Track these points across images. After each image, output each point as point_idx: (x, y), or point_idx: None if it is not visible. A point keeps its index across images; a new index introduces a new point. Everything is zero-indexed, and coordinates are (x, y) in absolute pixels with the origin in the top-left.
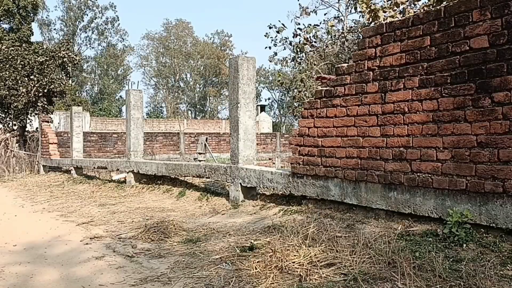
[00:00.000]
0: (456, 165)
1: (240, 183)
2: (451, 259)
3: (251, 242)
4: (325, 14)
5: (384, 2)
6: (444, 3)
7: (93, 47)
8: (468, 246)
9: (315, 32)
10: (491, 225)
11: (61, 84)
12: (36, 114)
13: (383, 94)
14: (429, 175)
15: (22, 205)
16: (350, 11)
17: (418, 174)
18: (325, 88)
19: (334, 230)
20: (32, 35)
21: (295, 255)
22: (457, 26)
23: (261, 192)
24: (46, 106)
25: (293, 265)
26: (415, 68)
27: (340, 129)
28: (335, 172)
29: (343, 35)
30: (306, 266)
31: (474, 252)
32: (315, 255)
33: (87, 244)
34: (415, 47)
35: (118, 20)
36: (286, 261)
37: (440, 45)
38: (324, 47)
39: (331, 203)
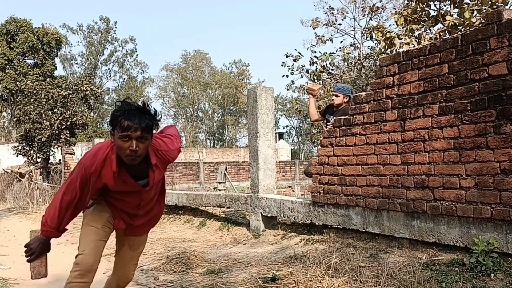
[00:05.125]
0: (480, 193)
1: (261, 213)
2: None
3: (273, 273)
4: (341, 42)
5: (400, 28)
6: (460, 27)
7: (114, 80)
8: (496, 276)
9: (332, 59)
10: None
11: (83, 117)
12: (59, 146)
13: (402, 122)
14: (453, 203)
15: None
16: (366, 38)
17: (441, 202)
18: (343, 117)
19: (357, 260)
20: (56, 69)
21: (318, 286)
22: (475, 54)
23: (281, 221)
24: (68, 138)
25: None
26: (434, 95)
27: (360, 157)
28: (356, 200)
29: (359, 61)
30: None
31: (503, 282)
32: (338, 286)
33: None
34: (433, 75)
35: (136, 51)
36: None
37: (459, 73)
38: (341, 74)
39: (353, 232)
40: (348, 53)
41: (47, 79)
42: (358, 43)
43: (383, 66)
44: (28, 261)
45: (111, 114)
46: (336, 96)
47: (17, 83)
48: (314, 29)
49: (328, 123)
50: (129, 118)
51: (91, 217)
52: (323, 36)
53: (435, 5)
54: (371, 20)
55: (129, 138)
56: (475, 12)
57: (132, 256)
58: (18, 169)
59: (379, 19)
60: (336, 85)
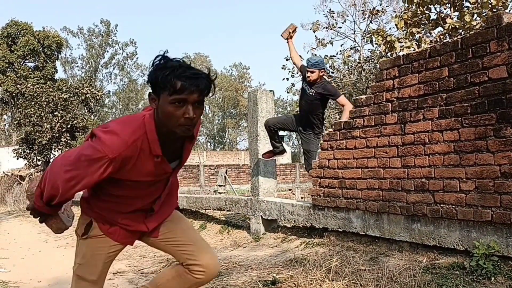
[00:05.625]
0: (481, 196)
1: (261, 216)
2: None
3: (273, 276)
4: (341, 45)
5: (400, 31)
6: (460, 30)
7: (114, 82)
8: (497, 279)
9: (332, 62)
10: None
11: (84, 120)
12: (59, 149)
13: (402, 125)
14: (453, 206)
15: (46, 240)
16: (366, 41)
17: (442, 205)
18: (344, 120)
19: (357, 263)
20: (56, 72)
21: None
22: (474, 57)
23: (282, 225)
24: (69, 141)
25: None
26: (434, 99)
27: (360, 160)
28: (356, 204)
29: (359, 65)
30: None
31: (503, 285)
32: None
33: (110, 279)
34: (433, 78)
35: (137, 54)
36: None
37: (459, 76)
38: (341, 77)
39: (354, 236)
40: (349, 56)
41: (48, 82)
42: (359, 46)
43: (383, 69)
44: (40, 221)
45: (154, 74)
46: (312, 72)
47: (18, 86)
48: (314, 32)
49: (308, 94)
50: (183, 78)
51: (84, 268)
52: (324, 39)
53: (435, 8)
54: (371, 23)
55: (184, 102)
56: (475, 15)
57: (188, 232)
58: (19, 172)
59: (379, 23)
60: (309, 61)
